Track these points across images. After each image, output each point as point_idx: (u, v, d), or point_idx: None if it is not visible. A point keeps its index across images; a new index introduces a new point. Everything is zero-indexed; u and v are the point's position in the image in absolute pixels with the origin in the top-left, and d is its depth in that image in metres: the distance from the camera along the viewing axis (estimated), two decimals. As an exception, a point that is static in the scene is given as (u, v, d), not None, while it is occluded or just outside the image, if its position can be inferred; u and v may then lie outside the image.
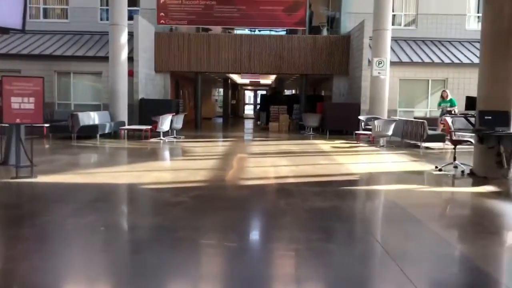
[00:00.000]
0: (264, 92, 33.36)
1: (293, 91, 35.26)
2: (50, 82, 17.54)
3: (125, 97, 15.59)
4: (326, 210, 5.26)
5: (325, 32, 19.55)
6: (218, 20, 18.50)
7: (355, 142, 14.09)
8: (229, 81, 27.23)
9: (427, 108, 17.75)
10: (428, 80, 17.58)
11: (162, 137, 13.69)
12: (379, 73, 15.29)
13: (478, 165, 8.00)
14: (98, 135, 13.35)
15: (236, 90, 33.17)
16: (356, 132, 14.66)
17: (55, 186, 6.32)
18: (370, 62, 16.04)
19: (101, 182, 6.66)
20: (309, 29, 19.68)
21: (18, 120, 6.86)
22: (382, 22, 15.38)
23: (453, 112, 13.82)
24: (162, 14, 18.23)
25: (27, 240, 4.03)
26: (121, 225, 4.56)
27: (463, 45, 18.59)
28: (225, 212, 5.14)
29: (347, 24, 19.13)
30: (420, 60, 17.29)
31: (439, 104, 14.37)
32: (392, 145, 13.13)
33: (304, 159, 9.88)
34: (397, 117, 14.07)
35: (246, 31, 20.24)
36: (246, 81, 30.67)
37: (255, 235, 4.45)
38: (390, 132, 13.02)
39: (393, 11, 15.90)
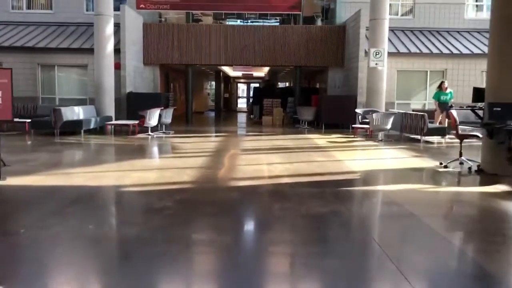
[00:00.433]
0: (257, 85, 32.68)
1: (287, 84, 34.65)
2: (33, 75, 16.83)
3: (112, 90, 14.90)
4: (326, 217, 4.68)
5: (319, 23, 18.92)
6: (204, 4, 17.61)
7: (352, 136, 13.53)
8: (221, 74, 26.56)
9: (425, 100, 17.20)
10: (427, 72, 17.02)
11: (150, 133, 13.05)
12: (376, 64, 14.73)
13: (487, 161, 7.45)
14: (82, 131, 12.68)
15: (228, 83, 32.48)
16: (353, 125, 14.08)
17: (23, 190, 5.68)
18: (366, 52, 15.46)
19: (76, 185, 6.03)
20: (303, 19, 19.05)
21: (-16, 116, 6.21)
22: (379, 11, 14.78)
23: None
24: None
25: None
26: (90, 238, 3.95)
27: (461, 35, 18.04)
28: (212, 221, 4.54)
29: (342, 14, 18.51)
30: (418, 51, 16.72)
31: (436, 97, 13.62)
32: (391, 139, 12.57)
33: (299, 156, 9.30)
34: (396, 110, 13.50)
35: (238, 22, 19.58)
36: (239, 73, 29.99)
37: (245, 250, 3.84)
38: (389, 126, 12.47)
39: (390, 0, 15.28)
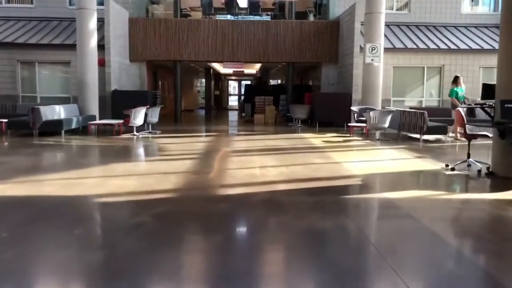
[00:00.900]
0: (248, 82, 31.99)
1: (279, 81, 34.01)
2: (12, 72, 16.01)
3: (95, 88, 14.14)
4: (330, 234, 4.03)
5: (311, 19, 18.28)
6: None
7: (348, 135, 12.92)
8: (211, 71, 25.82)
9: (422, 97, 16.65)
10: (424, 68, 16.46)
11: (135, 133, 12.34)
12: (372, 60, 14.12)
13: (498, 163, 6.87)
14: (63, 132, 11.92)
15: (219, 80, 31.76)
16: (349, 124, 13.47)
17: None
18: (362, 48, 14.86)
19: (44, 195, 5.33)
20: (295, 15, 18.40)
21: None
22: (375, 4, 14.16)
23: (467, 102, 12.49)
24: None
25: None
26: (44, 267, 3.27)
27: (458, 30, 17.52)
28: (195, 241, 3.88)
29: (336, 9, 17.90)
30: (414, 46, 16.15)
31: (453, 94, 12.38)
32: (389, 138, 11.99)
33: (294, 157, 8.66)
34: (394, 108, 12.92)
35: (228, 17, 18.86)
36: (230, 70, 29.27)
37: (233, 284, 3.16)
38: (386, 124, 11.88)
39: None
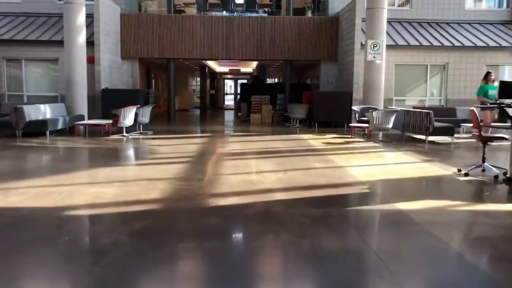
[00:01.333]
0: (245, 81, 31.31)
1: (276, 80, 33.33)
2: (-2, 70, 15.31)
3: (84, 87, 13.45)
4: (340, 259, 3.38)
5: (309, 15, 17.64)
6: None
7: (349, 136, 12.28)
8: (207, 69, 25.15)
9: (425, 96, 16.04)
10: (427, 66, 15.85)
11: (125, 134, 11.68)
12: (374, 57, 13.51)
13: (518, 169, 6.25)
14: (48, 132, 11.24)
15: (215, 79, 31.07)
16: (350, 124, 12.83)
17: None
18: (363, 45, 14.24)
19: (9, 207, 4.66)
20: (293, 11, 17.76)
21: None
22: (377, -1, 13.56)
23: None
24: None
25: None
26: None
27: (462, 26, 16.92)
28: (175, 269, 3.24)
29: (335, 5, 17.26)
30: (417, 43, 15.54)
31: (482, 92, 11.01)
32: (392, 140, 11.37)
33: (293, 161, 8.01)
34: (398, 108, 12.30)
35: (224, 13, 18.20)
36: (226, 69, 28.59)
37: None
38: (390, 125, 11.25)
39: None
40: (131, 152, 9.50)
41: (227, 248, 3.68)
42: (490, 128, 8.92)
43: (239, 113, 20.96)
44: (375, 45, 13.45)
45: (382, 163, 8.17)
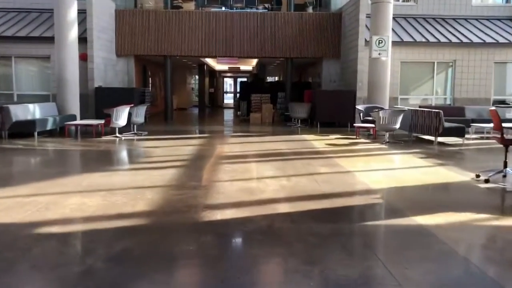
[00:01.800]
0: (244, 79, 30.68)
1: (276, 78, 32.72)
2: (-14, 68, 14.70)
3: (76, 85, 12.81)
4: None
5: (311, 11, 17.01)
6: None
7: (354, 137, 11.68)
8: (205, 67, 24.53)
9: (432, 95, 15.43)
10: (434, 63, 15.23)
11: (117, 134, 11.08)
12: (379, 54, 12.93)
13: (546, 175, 5.67)
14: (36, 133, 10.64)
15: (214, 77, 30.47)
16: (355, 125, 12.22)
17: None
18: (367, 42, 13.65)
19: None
20: (294, 7, 17.15)
21: None
22: (383, -7, 12.96)
23: None
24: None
25: None
26: None
27: (469, 22, 16.30)
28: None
29: (338, 0, 16.64)
30: (424, 40, 14.92)
31: None
32: (400, 141, 10.78)
33: (296, 165, 7.41)
34: (405, 107, 11.70)
35: (223, 9, 17.58)
36: (225, 67, 28.02)
37: None
38: (397, 125, 10.66)
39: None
40: (122, 155, 8.91)
41: (220, 277, 3.08)
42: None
43: (238, 112, 20.37)
44: (380, 41, 12.86)
45: (392, 167, 7.58)
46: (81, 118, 13.10)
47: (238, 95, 26.20)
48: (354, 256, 3.42)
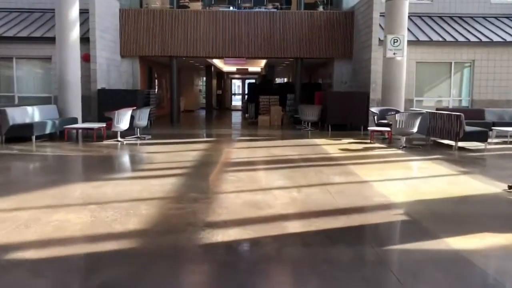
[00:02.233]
0: (253, 81, 30.10)
1: (285, 80, 32.12)
2: (-13, 69, 14.30)
3: (78, 87, 12.32)
4: None
5: (321, 10, 16.40)
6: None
7: (368, 141, 11.05)
8: (213, 69, 24.00)
9: (449, 97, 14.73)
10: (451, 63, 14.53)
11: (119, 138, 10.57)
12: (394, 53, 12.29)
13: None
14: (34, 137, 10.16)
15: (222, 79, 29.93)
16: (369, 128, 11.57)
17: None
18: (381, 41, 13.01)
19: None
20: (304, 6, 16.55)
21: None
22: (398, -10, 12.32)
23: None
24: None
25: None
26: None
27: (488, 20, 15.58)
28: None
29: (350, -2, 16.02)
30: (441, 39, 14.23)
31: None
32: (417, 146, 10.14)
33: (307, 173, 6.81)
34: (424, 110, 11.04)
35: (231, 8, 17.03)
36: (233, 68, 27.48)
37: None
38: (415, 129, 10.01)
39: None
40: (120, 162, 8.37)
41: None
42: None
43: (246, 115, 19.81)
44: (395, 41, 12.22)
45: (412, 176, 6.94)
46: (83, 121, 12.64)
47: (246, 97, 25.63)
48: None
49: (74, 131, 11.35)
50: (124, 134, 11.08)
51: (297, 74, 16.67)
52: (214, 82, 27.51)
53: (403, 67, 12.44)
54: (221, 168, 7.35)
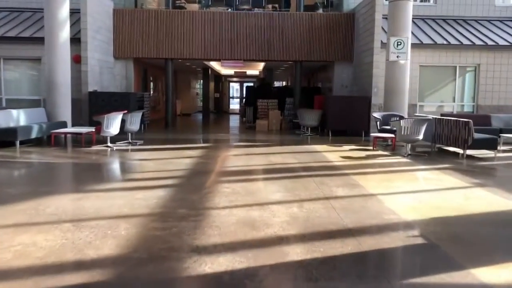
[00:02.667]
0: (251, 84, 29.56)
1: (284, 83, 31.61)
2: (-26, 70, 13.73)
3: (68, 89, 11.77)
4: None
5: (321, 12, 15.91)
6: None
7: (370, 148, 10.53)
8: (210, 71, 23.48)
9: (453, 101, 14.22)
10: (455, 67, 14.04)
11: (109, 144, 10.00)
12: (398, 56, 11.79)
13: None
14: (18, 143, 9.58)
15: (219, 82, 29.40)
16: (372, 134, 11.03)
17: None
18: (383, 44, 12.52)
19: None
20: (304, 8, 16.06)
21: None
22: (402, -10, 11.83)
23: None
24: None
25: None
26: None
27: (493, 24, 15.14)
28: None
29: (350, 0, 15.52)
30: (445, 42, 13.75)
31: None
32: (423, 153, 9.62)
33: (308, 185, 6.25)
34: (430, 115, 10.52)
35: (229, 10, 16.51)
36: (231, 71, 26.95)
37: None
38: (421, 136, 9.49)
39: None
40: (106, 170, 7.80)
41: None
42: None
43: (244, 119, 19.27)
44: (399, 43, 11.72)
45: (422, 188, 6.39)
46: (73, 125, 12.08)
47: (244, 100, 25.09)
48: None
49: (62, 135, 10.79)
50: (115, 139, 10.55)
51: (296, 78, 16.15)
52: (212, 85, 26.99)
53: (406, 71, 11.94)
54: (215, 179, 6.80)
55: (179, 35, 15.16)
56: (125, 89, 15.37)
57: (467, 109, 14.27)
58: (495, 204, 5.32)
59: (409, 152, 9.51)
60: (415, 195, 5.78)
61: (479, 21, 15.24)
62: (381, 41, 12.86)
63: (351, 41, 15.05)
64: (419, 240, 3.98)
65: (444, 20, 15.29)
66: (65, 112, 11.84)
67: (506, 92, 13.74)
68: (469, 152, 9.55)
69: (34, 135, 10.18)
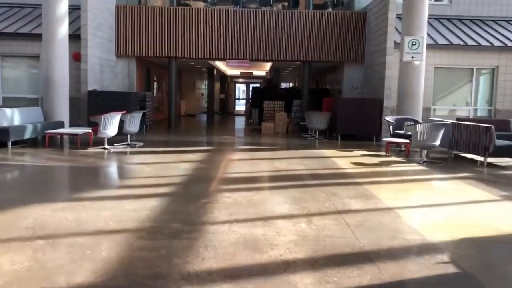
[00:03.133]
0: (257, 85, 28.98)
1: (291, 84, 31.01)
2: (-30, 67, 13.27)
3: (65, 87, 11.25)
4: None
5: (331, 10, 15.32)
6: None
7: (383, 153, 9.91)
8: (215, 72, 22.94)
9: (470, 105, 13.57)
10: (472, 69, 13.38)
11: (106, 146, 9.48)
12: (412, 57, 11.17)
13: None
14: (9, 143, 9.08)
15: (225, 82, 28.87)
16: (385, 139, 10.39)
17: None
18: (397, 44, 11.90)
19: None
20: (313, 6, 15.47)
21: None
22: (417, -13, 11.21)
23: None
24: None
25: None
26: None
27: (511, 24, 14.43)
28: None
29: (361, -2, 14.94)
30: (461, 43, 13.10)
31: None
32: (440, 161, 8.99)
33: (318, 196, 5.65)
34: (448, 120, 9.89)
35: (235, 8, 15.96)
36: (237, 72, 26.39)
37: None
38: (437, 142, 8.86)
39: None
40: (98, 176, 7.22)
41: None
42: None
43: (249, 120, 18.70)
44: (414, 43, 11.10)
45: (445, 201, 5.76)
46: (71, 125, 11.58)
47: (249, 101, 24.53)
48: None
49: (57, 136, 10.28)
50: (113, 140, 10.03)
51: (304, 79, 15.55)
52: (217, 85, 26.46)
53: (421, 72, 11.32)
54: (216, 187, 6.22)
55: (183, 33, 14.64)
56: (127, 88, 14.86)
57: (480, 113, 13.61)
58: (529, 221, 4.71)
59: (425, 159, 8.89)
60: (437, 209, 5.17)
61: (497, 22, 14.58)
62: (395, 41, 12.25)
63: (362, 41, 14.44)
64: (449, 268, 3.38)
65: (460, 20, 14.64)
66: (62, 111, 11.33)
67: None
68: (489, 159, 8.90)
69: (28, 135, 9.68)
